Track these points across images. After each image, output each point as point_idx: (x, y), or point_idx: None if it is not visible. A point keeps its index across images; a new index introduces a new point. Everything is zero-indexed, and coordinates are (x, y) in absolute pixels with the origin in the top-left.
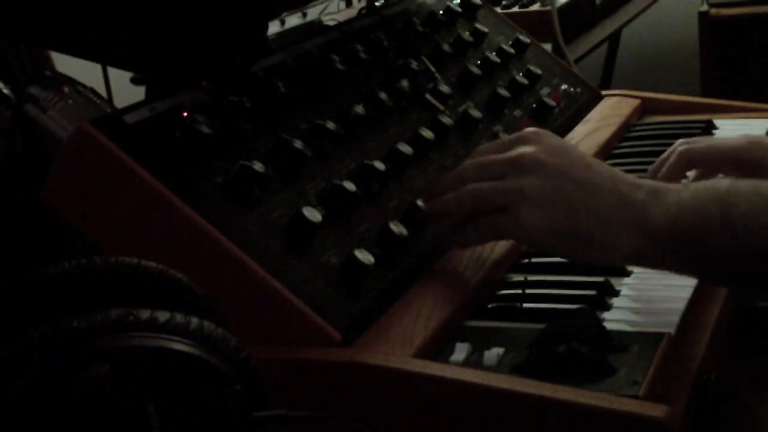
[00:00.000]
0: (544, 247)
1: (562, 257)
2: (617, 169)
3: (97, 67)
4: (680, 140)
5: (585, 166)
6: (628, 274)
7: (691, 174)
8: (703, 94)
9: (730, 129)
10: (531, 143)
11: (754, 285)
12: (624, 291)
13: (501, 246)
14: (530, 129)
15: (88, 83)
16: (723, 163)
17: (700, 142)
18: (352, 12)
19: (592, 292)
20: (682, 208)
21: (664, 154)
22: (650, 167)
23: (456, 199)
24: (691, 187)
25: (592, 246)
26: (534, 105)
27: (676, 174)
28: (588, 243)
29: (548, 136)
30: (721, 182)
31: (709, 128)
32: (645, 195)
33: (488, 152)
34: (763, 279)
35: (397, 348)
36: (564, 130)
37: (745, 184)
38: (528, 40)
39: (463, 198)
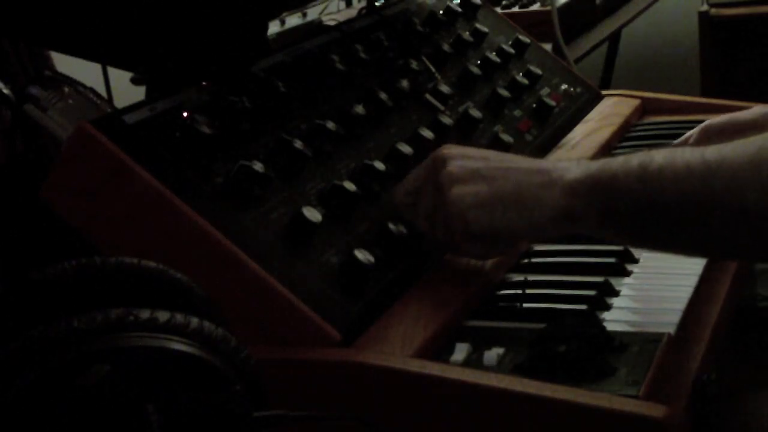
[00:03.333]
0: (476, 218)
1: (494, 227)
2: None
3: (97, 67)
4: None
5: (498, 155)
6: (628, 274)
7: None
8: (703, 94)
9: None
10: (445, 149)
11: (667, 245)
12: (624, 291)
13: None
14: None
15: (88, 83)
16: (742, 135)
17: (721, 117)
18: (352, 12)
19: (592, 292)
20: (603, 165)
21: (683, 137)
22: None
23: (410, 215)
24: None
25: (518, 208)
26: (534, 105)
27: None
28: (513, 206)
29: (462, 146)
30: (643, 151)
31: None
32: (561, 165)
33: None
34: (674, 237)
35: (397, 348)
36: (564, 130)
37: (665, 149)
38: (528, 40)
39: (400, 209)
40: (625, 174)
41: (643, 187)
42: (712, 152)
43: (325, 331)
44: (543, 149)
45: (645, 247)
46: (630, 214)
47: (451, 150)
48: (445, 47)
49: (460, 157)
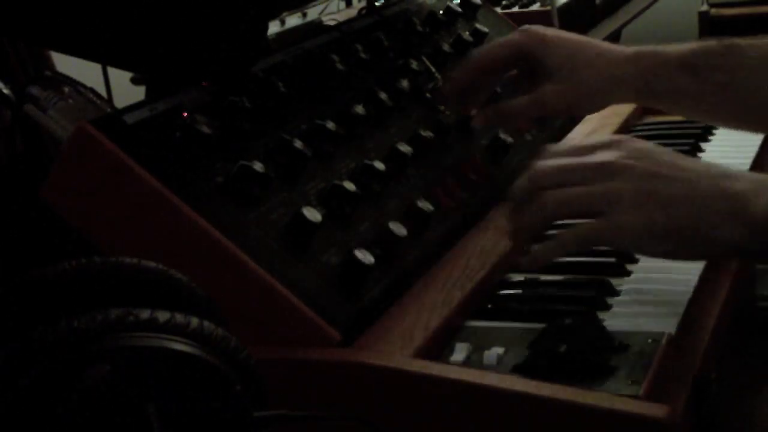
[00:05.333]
0: (643, 248)
1: (662, 257)
2: (713, 163)
3: (97, 67)
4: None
5: (673, 165)
6: (628, 274)
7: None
8: None
9: (729, 129)
10: (613, 149)
11: None
12: (624, 291)
13: (501, 246)
14: (612, 136)
15: (88, 83)
16: (506, 63)
17: (482, 47)
18: (352, 12)
19: (592, 292)
20: None
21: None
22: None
23: (539, 208)
24: None
25: (692, 242)
26: None
27: (465, 76)
28: (688, 239)
29: (631, 141)
30: None
31: (708, 128)
32: (746, 185)
33: (563, 155)
34: None
35: (397, 348)
36: (564, 130)
37: None
38: None
39: (547, 206)
40: None
41: None
42: None
43: (325, 331)
44: None
45: None
46: None
47: (621, 156)
48: (445, 47)
49: (630, 173)
